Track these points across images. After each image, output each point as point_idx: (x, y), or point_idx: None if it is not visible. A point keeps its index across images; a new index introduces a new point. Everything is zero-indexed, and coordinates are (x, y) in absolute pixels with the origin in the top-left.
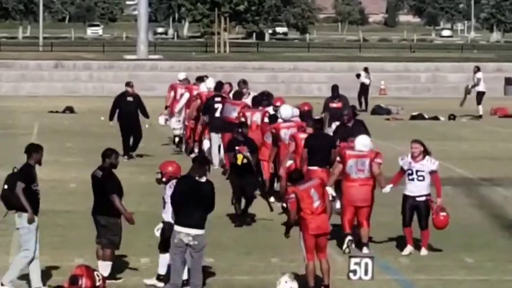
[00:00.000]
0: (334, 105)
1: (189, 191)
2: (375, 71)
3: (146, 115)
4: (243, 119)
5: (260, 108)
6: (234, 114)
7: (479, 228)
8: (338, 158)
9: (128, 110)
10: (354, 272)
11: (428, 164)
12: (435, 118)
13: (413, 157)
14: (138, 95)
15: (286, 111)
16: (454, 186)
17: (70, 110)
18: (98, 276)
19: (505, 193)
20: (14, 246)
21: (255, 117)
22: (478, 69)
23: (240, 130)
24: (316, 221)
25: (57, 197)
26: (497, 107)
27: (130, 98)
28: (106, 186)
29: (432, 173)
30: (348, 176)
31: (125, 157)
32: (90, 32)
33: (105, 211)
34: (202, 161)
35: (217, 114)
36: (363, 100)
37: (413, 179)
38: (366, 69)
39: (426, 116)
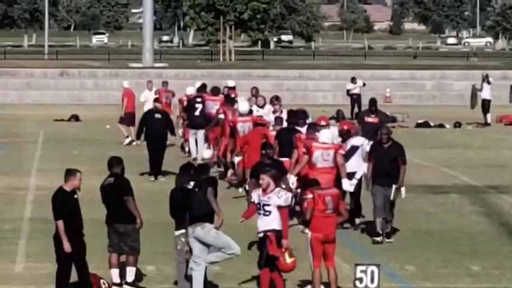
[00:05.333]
0: (370, 120)
1: (182, 201)
2: (380, 78)
3: (173, 133)
4: (265, 140)
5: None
6: (215, 109)
7: (485, 236)
8: (303, 150)
9: (156, 129)
10: (361, 279)
11: (275, 198)
12: (441, 126)
13: (263, 189)
14: (166, 111)
15: (244, 106)
16: (459, 193)
17: (75, 118)
18: (104, 284)
19: (511, 200)
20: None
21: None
22: (487, 76)
23: (265, 152)
24: (325, 226)
25: None
26: (502, 115)
27: (158, 115)
28: (121, 190)
29: (280, 208)
30: (313, 166)
31: (152, 177)
32: (95, 40)
33: (123, 218)
34: (185, 169)
35: (197, 113)
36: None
37: (260, 214)
38: (353, 79)
39: (432, 124)
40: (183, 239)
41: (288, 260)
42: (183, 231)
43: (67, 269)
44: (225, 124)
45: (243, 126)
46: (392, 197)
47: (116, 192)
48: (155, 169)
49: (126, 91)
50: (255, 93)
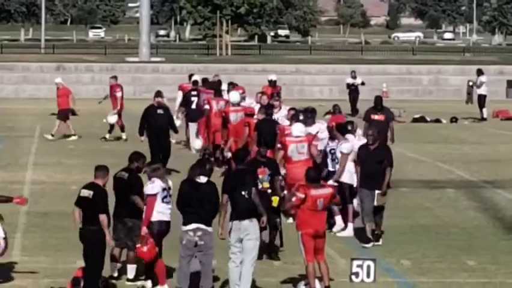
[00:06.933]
0: (376, 117)
1: (190, 193)
2: (377, 73)
3: (175, 130)
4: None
5: (223, 97)
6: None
7: (481, 231)
8: (278, 145)
9: (159, 124)
10: (357, 274)
11: (145, 187)
12: (437, 121)
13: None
14: (168, 107)
15: (235, 97)
16: (455, 188)
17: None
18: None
19: (506, 195)
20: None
21: (219, 106)
22: (481, 72)
23: (260, 150)
24: (315, 222)
25: (59, 198)
26: (499, 110)
27: (160, 111)
28: (131, 188)
29: (147, 196)
30: (290, 159)
31: None
32: (92, 34)
33: (133, 213)
34: (199, 163)
35: (193, 106)
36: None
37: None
38: (352, 72)
39: (428, 119)
40: (191, 234)
41: (145, 249)
42: (192, 226)
43: (103, 264)
44: (210, 114)
45: (235, 116)
46: (375, 203)
47: (128, 190)
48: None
49: (65, 89)
50: (232, 88)
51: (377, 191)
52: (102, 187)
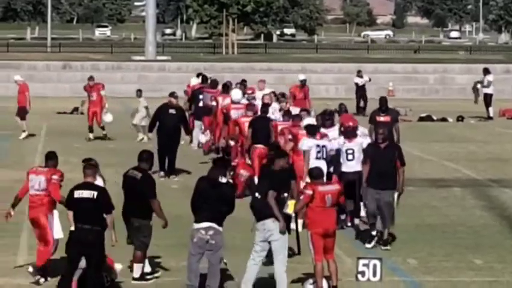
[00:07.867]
0: (382, 119)
1: (209, 191)
2: (383, 72)
3: (188, 131)
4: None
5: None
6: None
7: (487, 229)
8: (289, 136)
9: (170, 124)
10: (363, 273)
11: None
12: (444, 119)
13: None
14: (182, 107)
15: (237, 94)
16: (462, 187)
17: (77, 110)
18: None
19: None
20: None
21: (225, 102)
22: (488, 71)
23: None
24: (325, 220)
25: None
26: (505, 109)
27: (172, 111)
28: (147, 191)
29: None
30: (299, 152)
31: (162, 172)
32: (98, 33)
33: (139, 213)
34: (223, 163)
35: (201, 104)
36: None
37: None
38: (359, 72)
39: (435, 118)
40: (203, 232)
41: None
42: (204, 224)
43: (105, 262)
44: (217, 111)
45: (237, 113)
46: (395, 205)
47: (141, 191)
48: (168, 168)
49: (25, 85)
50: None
51: (396, 193)
52: (103, 187)
